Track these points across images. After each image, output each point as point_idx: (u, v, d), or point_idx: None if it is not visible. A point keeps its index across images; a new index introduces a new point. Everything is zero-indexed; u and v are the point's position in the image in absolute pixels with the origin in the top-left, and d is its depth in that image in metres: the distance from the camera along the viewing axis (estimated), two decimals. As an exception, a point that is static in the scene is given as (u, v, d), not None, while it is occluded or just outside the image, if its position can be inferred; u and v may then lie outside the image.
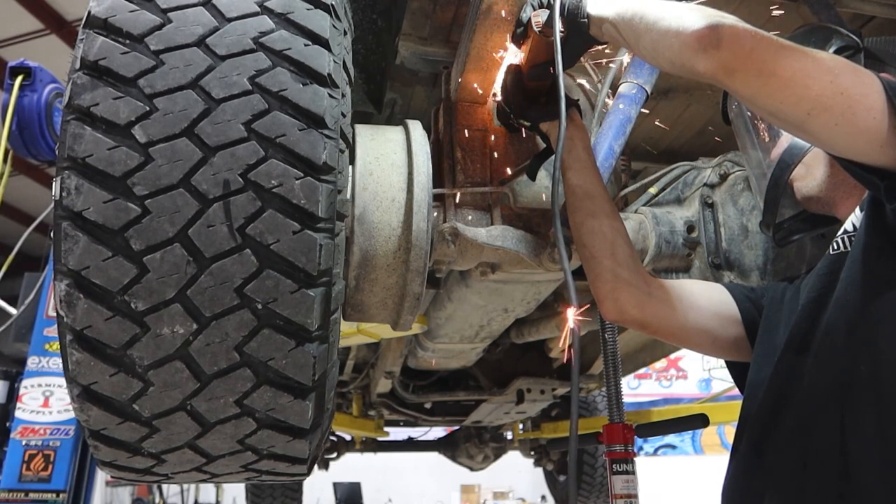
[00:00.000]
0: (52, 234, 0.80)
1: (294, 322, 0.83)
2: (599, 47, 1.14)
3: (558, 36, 1.04)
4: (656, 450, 9.00)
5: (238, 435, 0.88)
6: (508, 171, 1.42)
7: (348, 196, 1.18)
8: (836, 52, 1.09)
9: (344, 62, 0.98)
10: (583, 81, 1.52)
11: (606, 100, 1.46)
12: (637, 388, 9.04)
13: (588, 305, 1.57)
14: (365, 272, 1.21)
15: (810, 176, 1.13)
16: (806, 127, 0.84)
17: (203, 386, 0.83)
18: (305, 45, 0.87)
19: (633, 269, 1.17)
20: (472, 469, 4.66)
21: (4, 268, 3.14)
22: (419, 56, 1.57)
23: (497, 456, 4.56)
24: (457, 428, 4.43)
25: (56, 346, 3.38)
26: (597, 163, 1.27)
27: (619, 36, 1.01)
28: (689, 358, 9.13)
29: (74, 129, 0.79)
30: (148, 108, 0.80)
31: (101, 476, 4.13)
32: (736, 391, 1.24)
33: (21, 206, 7.62)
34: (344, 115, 0.95)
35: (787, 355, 1.01)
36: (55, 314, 0.82)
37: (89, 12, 0.84)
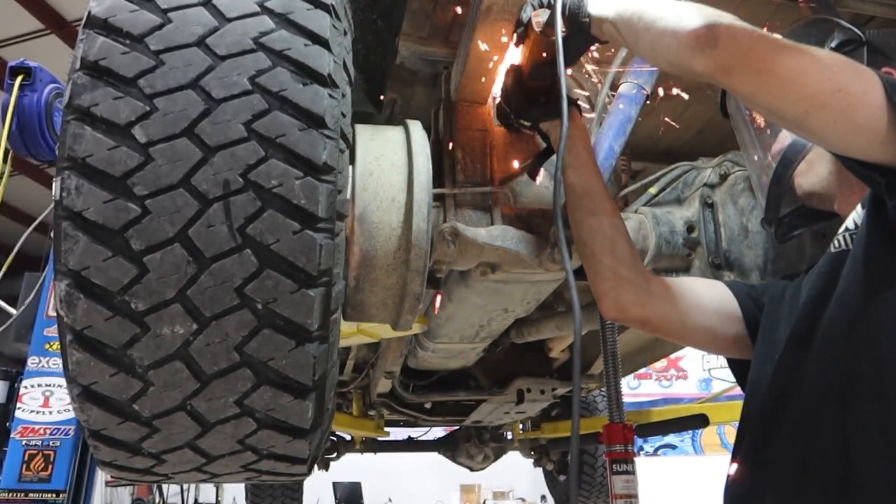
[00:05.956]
0: (52, 234, 0.80)
1: (294, 322, 0.82)
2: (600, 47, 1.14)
3: (560, 36, 1.04)
4: (656, 450, 8.99)
5: (238, 435, 0.88)
6: (509, 170, 1.42)
7: (348, 196, 1.18)
8: (839, 45, 1.09)
9: (344, 62, 0.98)
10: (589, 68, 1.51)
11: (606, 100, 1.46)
12: (637, 388, 9.03)
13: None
14: (365, 272, 1.21)
15: (812, 172, 1.13)
16: (805, 125, 0.84)
17: (203, 386, 0.83)
18: (305, 45, 0.87)
19: (633, 267, 1.17)
20: (471, 469, 4.66)
21: (4, 268, 3.14)
22: (419, 56, 1.57)
23: (497, 456, 4.56)
24: (457, 428, 4.42)
25: (56, 346, 3.38)
26: (597, 162, 1.27)
27: (619, 36, 1.01)
28: (689, 358, 9.13)
29: (74, 129, 0.79)
30: (148, 108, 0.80)
31: (101, 476, 4.13)
32: (736, 391, 1.24)
33: (21, 206, 7.61)
34: (344, 115, 0.95)
35: (789, 353, 1.01)
36: (55, 314, 0.82)
37: (89, 12, 0.84)
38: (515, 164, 1.43)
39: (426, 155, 1.25)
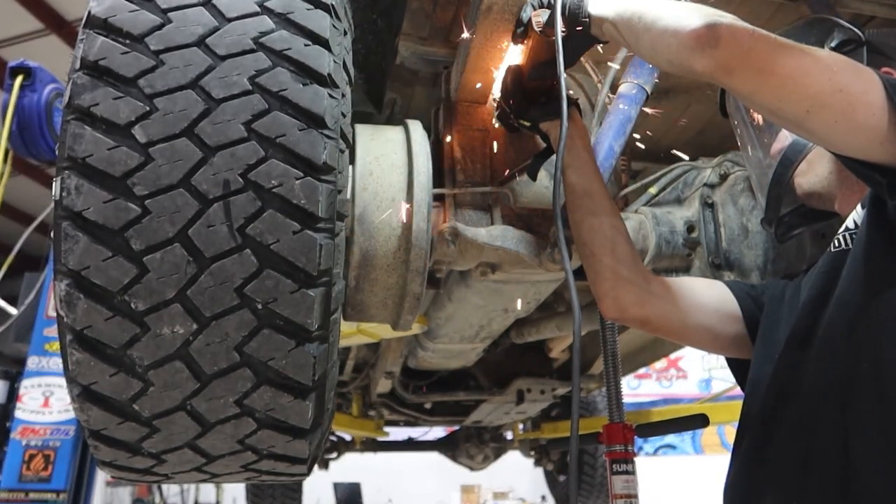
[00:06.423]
0: (52, 234, 0.80)
1: (294, 322, 0.82)
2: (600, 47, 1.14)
3: (560, 36, 1.04)
4: (656, 450, 8.99)
5: (238, 435, 0.88)
6: (509, 170, 1.42)
7: (348, 196, 1.18)
8: (839, 45, 1.09)
9: (344, 62, 0.98)
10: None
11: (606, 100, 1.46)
12: (637, 388, 9.03)
13: None
14: (365, 272, 1.21)
15: (812, 172, 1.13)
16: (805, 125, 0.84)
17: (203, 386, 0.83)
18: (305, 45, 0.87)
19: (633, 266, 1.17)
20: (472, 469, 4.66)
21: (4, 268, 3.14)
22: (419, 56, 1.57)
23: (497, 456, 4.56)
24: (457, 428, 4.43)
25: (56, 346, 3.38)
26: (597, 162, 1.27)
27: (619, 36, 1.01)
28: (689, 358, 9.12)
29: (74, 129, 0.79)
30: (148, 108, 0.80)
31: (101, 476, 4.13)
32: (736, 391, 1.24)
33: (21, 206, 7.61)
34: (344, 115, 0.95)
35: (789, 353, 1.01)
36: (55, 314, 0.82)
37: (89, 12, 0.84)
38: (515, 165, 1.43)
39: (426, 155, 1.25)
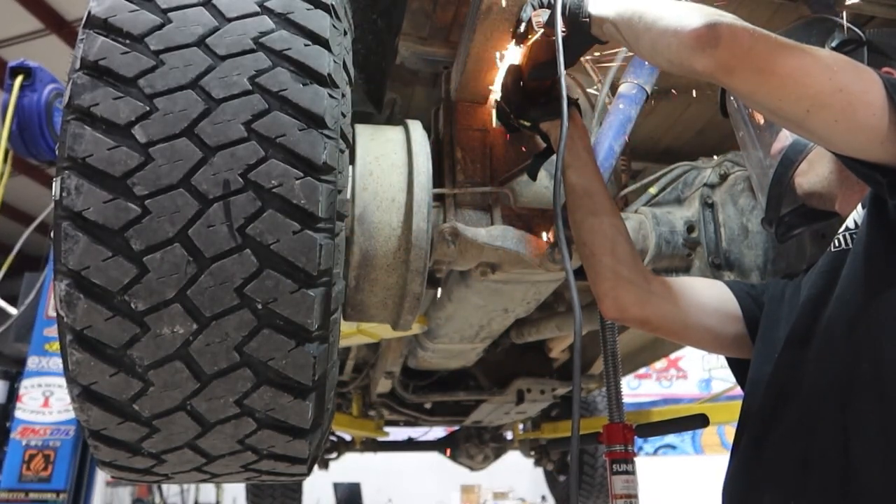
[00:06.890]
0: (52, 234, 0.80)
1: (294, 322, 0.82)
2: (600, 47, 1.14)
3: (560, 36, 1.04)
4: (656, 450, 8.99)
5: (238, 435, 0.88)
6: (509, 170, 1.42)
7: (348, 196, 1.18)
8: (839, 45, 1.09)
9: (344, 62, 0.98)
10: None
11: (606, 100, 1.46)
12: (637, 388, 9.03)
13: None
14: (365, 272, 1.21)
15: (813, 172, 1.13)
16: (806, 124, 0.84)
17: (203, 386, 0.83)
18: (305, 45, 0.87)
19: (633, 266, 1.17)
20: (472, 469, 4.66)
21: (4, 268, 3.14)
22: (419, 56, 1.57)
23: (497, 456, 4.56)
24: (457, 428, 4.43)
25: (56, 346, 3.39)
26: (597, 162, 1.27)
27: (619, 35, 1.01)
28: (689, 358, 9.12)
29: (74, 129, 0.79)
30: (148, 108, 0.80)
31: (101, 476, 4.14)
32: (736, 391, 1.24)
33: (21, 206, 7.62)
34: (344, 115, 0.95)
35: (788, 352, 1.01)
36: (55, 314, 0.82)
37: (89, 12, 0.84)
38: (515, 165, 1.43)
39: (426, 155, 1.25)
